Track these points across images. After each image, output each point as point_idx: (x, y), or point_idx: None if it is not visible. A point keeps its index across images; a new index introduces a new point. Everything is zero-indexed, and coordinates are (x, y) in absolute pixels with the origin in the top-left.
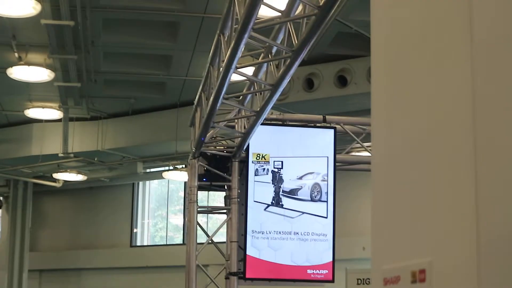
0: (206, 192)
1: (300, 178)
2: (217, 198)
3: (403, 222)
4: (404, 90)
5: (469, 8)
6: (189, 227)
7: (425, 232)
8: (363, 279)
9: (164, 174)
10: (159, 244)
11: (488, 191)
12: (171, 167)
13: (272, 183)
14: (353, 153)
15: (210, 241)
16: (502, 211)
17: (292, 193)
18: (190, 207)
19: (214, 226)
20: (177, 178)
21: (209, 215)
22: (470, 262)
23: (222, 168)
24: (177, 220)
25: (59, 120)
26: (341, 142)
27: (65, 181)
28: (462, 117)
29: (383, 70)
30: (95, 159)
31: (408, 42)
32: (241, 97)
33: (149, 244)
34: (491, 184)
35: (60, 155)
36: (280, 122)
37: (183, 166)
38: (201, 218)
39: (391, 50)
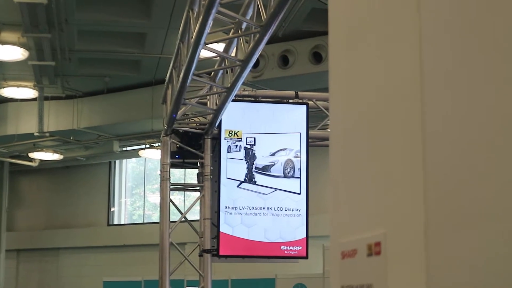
0: (183, 169)
1: (273, 154)
2: (194, 176)
3: (360, 195)
4: (358, 65)
5: None
6: (162, 205)
7: (379, 205)
8: None
9: (140, 152)
10: (137, 222)
11: (434, 165)
12: (147, 145)
13: (245, 160)
14: (327, 129)
15: (183, 219)
16: (448, 184)
17: (265, 170)
18: (163, 185)
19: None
20: (153, 156)
21: (187, 193)
22: (419, 234)
23: (194, 145)
24: (155, 198)
25: (34, 99)
26: (316, 118)
27: (41, 160)
28: (411, 94)
29: (339, 44)
30: (71, 138)
31: (362, 16)
32: (212, 73)
33: (126, 222)
34: (438, 157)
35: (36, 134)
36: (253, 99)
37: (159, 144)
38: (179, 196)
39: (347, 24)
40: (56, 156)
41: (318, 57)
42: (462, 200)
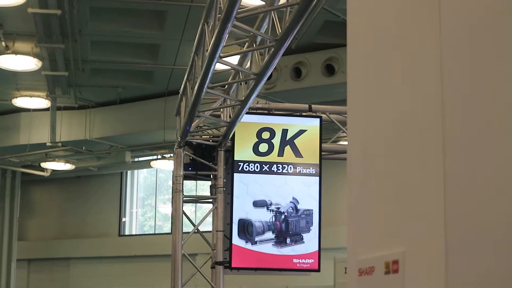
0: (195, 181)
1: None
2: (206, 187)
3: (378, 213)
4: (378, 81)
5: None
6: (174, 217)
7: (399, 223)
8: None
9: (152, 163)
10: (148, 233)
11: (455, 184)
12: (159, 156)
13: None
14: (339, 142)
15: (196, 231)
16: (469, 204)
17: None
18: (175, 197)
19: (203, 215)
20: (165, 167)
21: (198, 204)
22: (439, 253)
23: (207, 157)
24: (166, 209)
25: (46, 109)
26: (328, 131)
27: (53, 170)
28: (432, 109)
29: (358, 59)
30: (83, 148)
31: (382, 32)
32: (226, 86)
33: (137, 233)
34: (459, 177)
35: (48, 144)
36: (266, 111)
37: (171, 155)
38: (190, 208)
39: (367, 40)
40: (68, 166)
41: (331, 69)
42: (483, 219)
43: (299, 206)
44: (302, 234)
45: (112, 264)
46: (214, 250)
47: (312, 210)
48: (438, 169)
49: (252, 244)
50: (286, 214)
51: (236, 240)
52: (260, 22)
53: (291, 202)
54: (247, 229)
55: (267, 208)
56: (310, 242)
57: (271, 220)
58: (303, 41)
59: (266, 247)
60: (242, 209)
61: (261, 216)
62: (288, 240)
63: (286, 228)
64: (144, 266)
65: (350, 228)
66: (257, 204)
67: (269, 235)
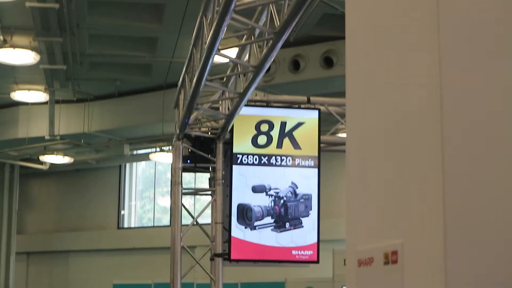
0: (193, 173)
1: None
2: (204, 179)
3: (377, 205)
4: (376, 73)
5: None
6: (173, 209)
7: (397, 215)
8: None
9: (150, 156)
10: (146, 226)
11: (454, 176)
12: (157, 149)
13: None
14: (338, 134)
15: (195, 223)
16: (467, 195)
17: None
18: (174, 189)
19: (202, 207)
20: (163, 160)
21: (197, 196)
22: (438, 244)
23: (206, 150)
24: (165, 201)
25: (45, 103)
26: (326, 123)
27: (51, 163)
28: (430, 101)
29: (357, 54)
30: (82, 142)
31: (380, 25)
32: (224, 78)
33: (136, 226)
34: (457, 169)
35: (47, 137)
36: (265, 104)
37: (170, 148)
38: (189, 200)
39: (365, 32)
40: (66, 159)
41: (329, 61)
42: (481, 210)
43: (298, 191)
44: (301, 219)
45: (111, 257)
46: (213, 242)
47: (311, 194)
48: (437, 161)
49: (251, 229)
50: (285, 198)
51: (235, 228)
52: (258, 15)
53: (290, 186)
54: (246, 214)
55: (266, 193)
56: (309, 233)
57: (270, 205)
58: (301, 33)
59: (266, 232)
60: (241, 201)
61: (260, 201)
62: (287, 225)
63: (285, 212)
64: (143, 259)
65: (349, 220)
66: (256, 189)
67: (268, 220)
